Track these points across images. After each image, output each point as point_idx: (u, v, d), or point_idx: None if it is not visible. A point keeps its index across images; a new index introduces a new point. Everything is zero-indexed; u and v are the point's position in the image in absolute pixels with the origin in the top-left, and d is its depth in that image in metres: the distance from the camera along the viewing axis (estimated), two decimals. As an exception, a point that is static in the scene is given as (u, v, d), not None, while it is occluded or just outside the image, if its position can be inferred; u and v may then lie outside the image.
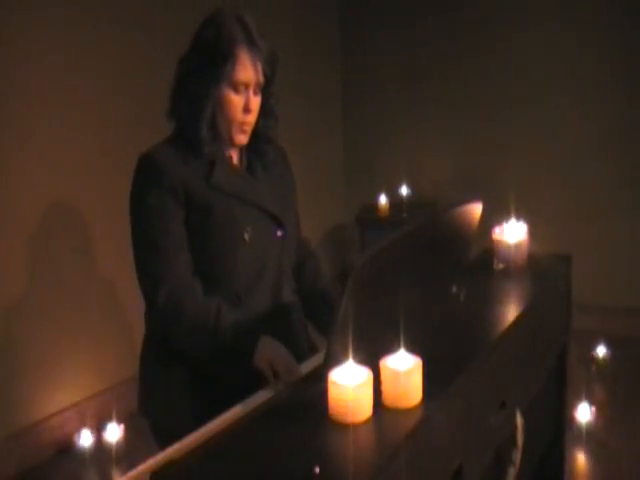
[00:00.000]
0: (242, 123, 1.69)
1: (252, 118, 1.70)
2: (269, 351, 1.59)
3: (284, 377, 1.54)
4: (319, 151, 4.76)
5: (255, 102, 1.68)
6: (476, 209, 1.65)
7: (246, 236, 1.68)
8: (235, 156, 1.77)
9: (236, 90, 1.65)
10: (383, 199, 4.57)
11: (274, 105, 1.77)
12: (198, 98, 1.64)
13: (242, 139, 1.72)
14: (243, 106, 1.67)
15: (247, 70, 1.64)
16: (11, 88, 2.93)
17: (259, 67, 1.66)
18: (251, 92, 1.67)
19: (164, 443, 1.37)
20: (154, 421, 1.76)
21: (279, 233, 1.76)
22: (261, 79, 1.68)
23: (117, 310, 3.41)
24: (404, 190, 4.58)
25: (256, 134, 1.75)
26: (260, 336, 1.62)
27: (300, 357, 1.72)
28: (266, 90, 1.72)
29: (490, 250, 2.04)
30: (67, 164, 3.15)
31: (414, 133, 4.74)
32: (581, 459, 2.95)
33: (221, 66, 1.62)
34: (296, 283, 1.91)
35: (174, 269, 1.63)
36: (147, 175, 1.65)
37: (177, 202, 1.63)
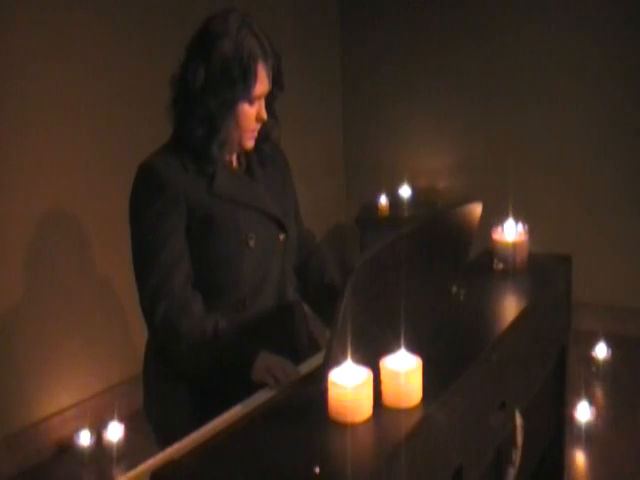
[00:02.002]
0: (254, 130, 1.69)
1: (261, 125, 1.71)
2: (266, 362, 1.58)
3: (283, 380, 1.54)
4: (319, 151, 4.76)
5: (264, 109, 1.69)
6: (476, 209, 1.65)
7: (251, 242, 1.67)
8: (234, 159, 1.77)
9: (251, 103, 1.65)
10: (383, 199, 4.57)
11: (275, 106, 1.76)
12: (212, 118, 1.63)
13: (251, 144, 1.72)
14: (255, 116, 1.67)
15: (264, 84, 1.65)
16: (10, 90, 2.93)
17: (270, 76, 1.67)
18: (262, 100, 1.68)
19: (166, 447, 1.36)
20: (158, 427, 1.76)
21: (281, 236, 1.76)
22: (271, 87, 1.68)
23: (117, 310, 3.41)
24: (404, 190, 4.58)
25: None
26: (258, 353, 1.61)
27: (302, 355, 1.72)
28: (270, 93, 1.71)
29: (490, 250, 2.04)
30: (66, 166, 3.15)
31: (414, 133, 4.74)
32: (581, 459, 2.95)
33: (241, 85, 1.61)
34: (302, 279, 1.91)
35: (171, 285, 1.62)
36: (147, 185, 1.64)
37: (178, 213, 1.62)
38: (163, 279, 1.61)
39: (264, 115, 1.68)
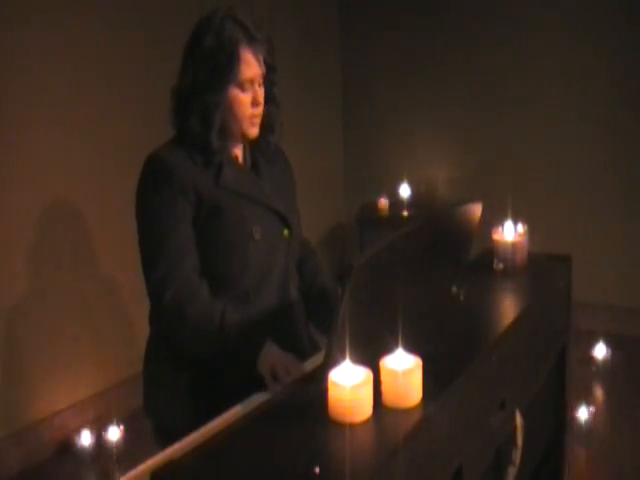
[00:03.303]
0: (252, 117, 1.69)
1: (260, 110, 1.71)
2: (271, 358, 1.59)
3: (284, 381, 1.54)
4: (319, 151, 4.76)
5: (261, 94, 1.70)
6: (476, 209, 1.65)
7: (255, 234, 1.69)
8: (240, 155, 1.78)
9: (243, 88, 1.66)
10: (383, 199, 4.57)
11: (275, 92, 1.77)
12: (206, 111, 1.65)
13: (254, 132, 1.72)
14: (251, 101, 1.68)
15: (252, 67, 1.65)
16: (12, 89, 2.93)
17: (261, 60, 1.68)
18: (256, 85, 1.68)
19: (166, 443, 1.37)
20: (157, 421, 1.76)
21: (286, 232, 1.78)
22: (264, 70, 1.69)
23: (117, 310, 3.41)
24: (404, 190, 4.58)
25: (260, 124, 1.75)
26: (264, 342, 1.62)
27: (302, 354, 1.73)
28: (267, 79, 1.72)
29: (490, 250, 2.04)
30: (68, 164, 3.15)
31: (414, 133, 4.74)
32: (581, 459, 2.95)
33: (227, 70, 1.63)
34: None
35: (180, 270, 1.63)
36: (156, 175, 1.65)
37: (186, 202, 1.64)
38: (172, 265, 1.62)
39: (260, 99, 1.69)
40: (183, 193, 1.63)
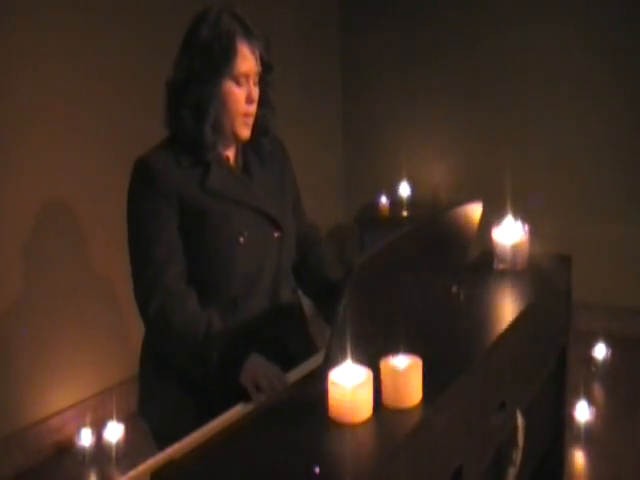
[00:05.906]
0: (245, 115, 1.68)
1: (254, 109, 1.69)
2: (253, 369, 1.57)
3: (267, 392, 1.53)
4: (319, 151, 4.75)
5: (256, 92, 1.69)
6: (476, 209, 1.65)
7: (241, 239, 1.67)
8: (232, 156, 1.76)
9: (238, 83, 1.65)
10: (383, 199, 4.57)
11: (270, 95, 1.76)
12: (201, 102, 1.64)
13: (246, 133, 1.70)
14: (245, 97, 1.66)
15: (248, 61, 1.64)
16: (9, 88, 2.93)
17: (257, 56, 1.67)
18: (252, 82, 1.67)
19: (162, 444, 1.37)
20: (153, 424, 1.76)
21: (276, 234, 1.76)
22: (259, 68, 1.68)
23: (117, 310, 3.41)
24: (404, 190, 4.58)
25: (253, 126, 1.73)
26: (248, 354, 1.60)
27: (300, 357, 1.72)
28: (262, 79, 1.72)
29: (490, 250, 2.04)
30: (64, 164, 3.15)
31: (414, 133, 4.74)
32: (581, 459, 2.95)
33: (222, 61, 1.62)
34: (301, 274, 1.90)
35: (166, 279, 1.62)
36: (141, 180, 1.65)
37: (171, 208, 1.63)
38: (158, 273, 1.62)
39: (254, 96, 1.67)
40: (167, 199, 1.62)
